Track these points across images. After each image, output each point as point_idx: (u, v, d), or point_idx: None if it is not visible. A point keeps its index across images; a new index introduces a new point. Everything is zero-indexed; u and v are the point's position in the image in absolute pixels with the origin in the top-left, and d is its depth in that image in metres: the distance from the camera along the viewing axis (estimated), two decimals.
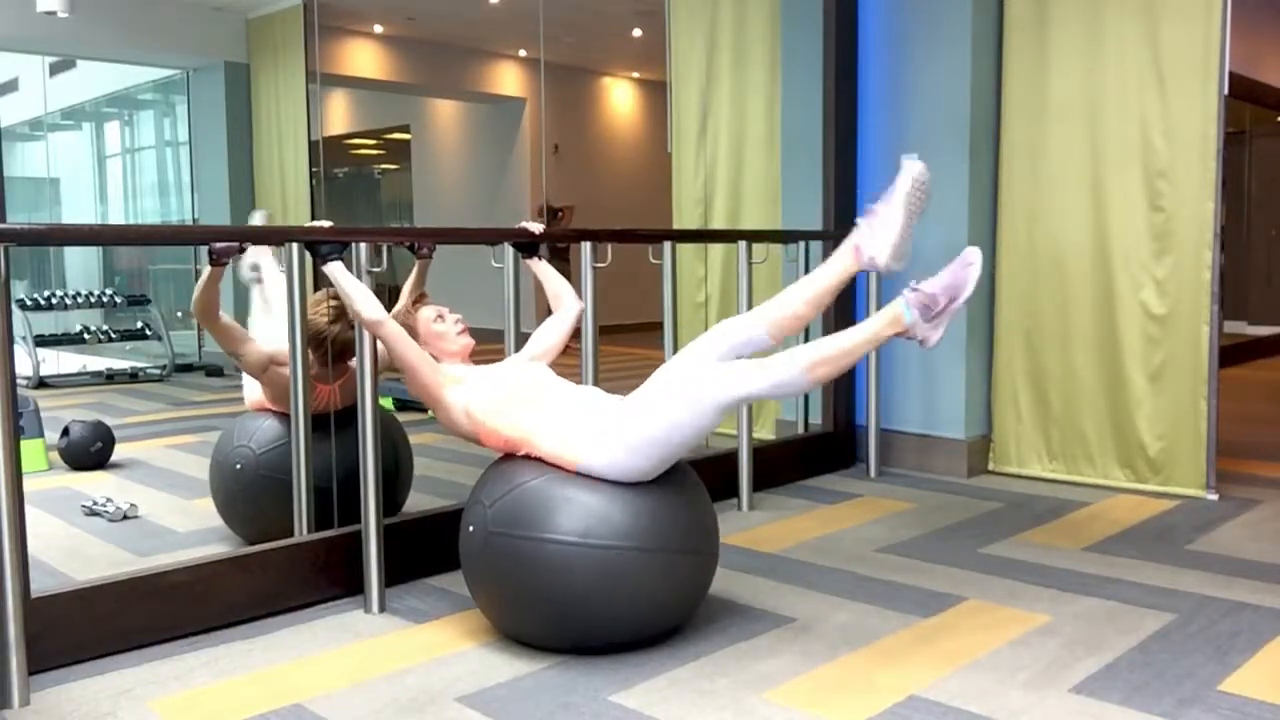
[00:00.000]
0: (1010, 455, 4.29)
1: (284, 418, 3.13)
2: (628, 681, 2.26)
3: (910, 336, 2.28)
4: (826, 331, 4.30)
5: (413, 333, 2.71)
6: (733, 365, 2.31)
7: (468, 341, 2.75)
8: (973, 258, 2.26)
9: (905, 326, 2.26)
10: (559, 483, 2.38)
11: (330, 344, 3.09)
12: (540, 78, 5.44)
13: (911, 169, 2.35)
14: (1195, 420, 3.83)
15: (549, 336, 2.89)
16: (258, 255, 3.52)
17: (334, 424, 3.14)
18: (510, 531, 2.37)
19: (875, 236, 2.35)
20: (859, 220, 2.41)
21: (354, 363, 2.84)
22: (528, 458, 2.49)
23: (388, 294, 2.79)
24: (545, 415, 2.49)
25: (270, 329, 3.36)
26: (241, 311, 3.47)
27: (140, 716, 2.12)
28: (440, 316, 2.75)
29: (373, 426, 2.72)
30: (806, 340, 2.79)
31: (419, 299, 2.83)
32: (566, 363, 2.91)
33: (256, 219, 4.19)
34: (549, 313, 2.96)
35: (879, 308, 4.19)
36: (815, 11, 4.32)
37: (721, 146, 4.84)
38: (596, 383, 3.23)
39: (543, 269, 3.02)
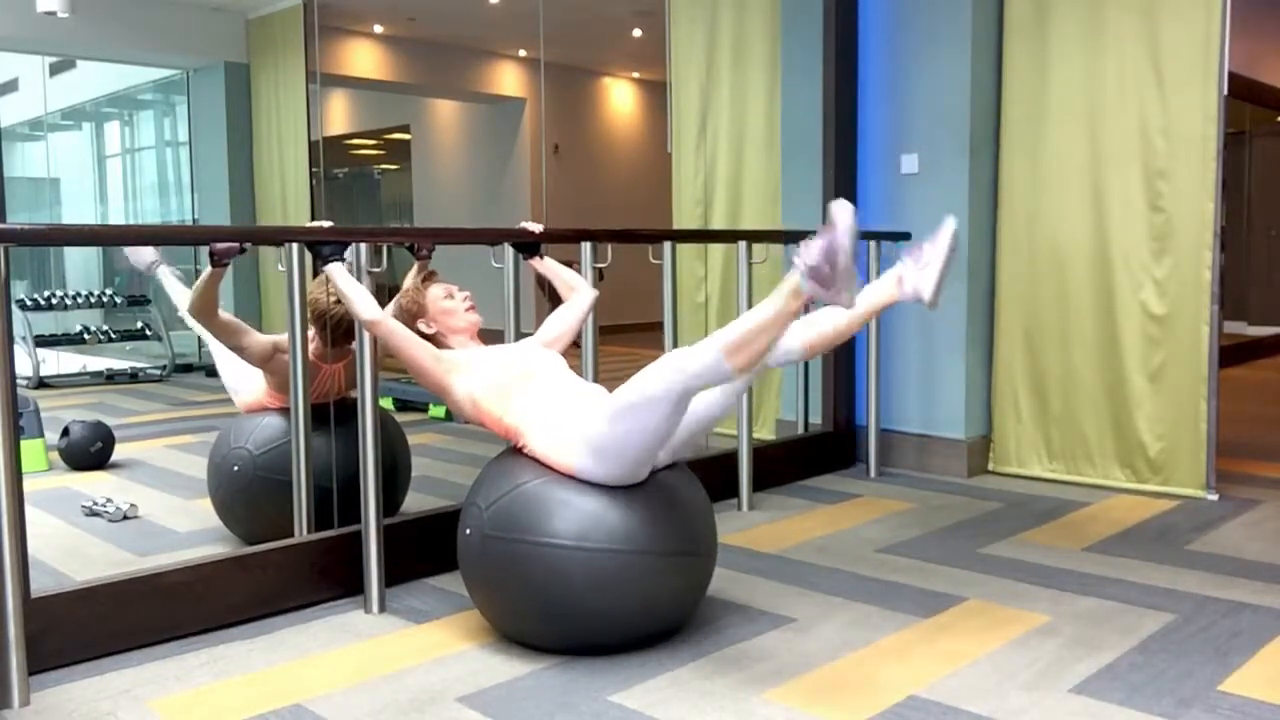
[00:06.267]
0: (1010, 455, 4.29)
1: (281, 417, 3.14)
2: (628, 681, 2.27)
3: (822, 302, 2.22)
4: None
5: (421, 310, 2.73)
6: (667, 358, 2.24)
7: (475, 318, 2.76)
8: (835, 215, 2.06)
9: (807, 296, 2.15)
10: (554, 485, 2.38)
11: (335, 323, 3.11)
12: (540, 78, 5.44)
13: (950, 225, 2.46)
14: (1195, 420, 3.83)
15: (562, 323, 2.89)
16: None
17: (334, 421, 3.14)
18: (506, 535, 2.36)
19: (920, 272, 2.46)
20: (903, 256, 2.51)
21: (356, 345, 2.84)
22: (523, 454, 2.50)
23: (387, 294, 2.79)
24: (541, 411, 2.49)
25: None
26: (243, 310, 3.47)
27: (140, 716, 2.12)
28: (449, 294, 2.76)
29: (373, 426, 2.72)
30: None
31: (428, 277, 2.84)
32: (566, 363, 2.91)
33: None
34: (550, 312, 2.96)
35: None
36: (815, 11, 4.32)
37: (721, 146, 4.84)
38: (596, 382, 3.23)
39: (548, 265, 3.02)
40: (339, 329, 3.11)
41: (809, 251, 2.07)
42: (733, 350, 2.15)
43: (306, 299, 2.93)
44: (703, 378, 2.19)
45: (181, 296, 3.25)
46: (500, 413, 2.52)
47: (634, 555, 2.32)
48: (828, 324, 2.55)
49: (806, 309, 2.25)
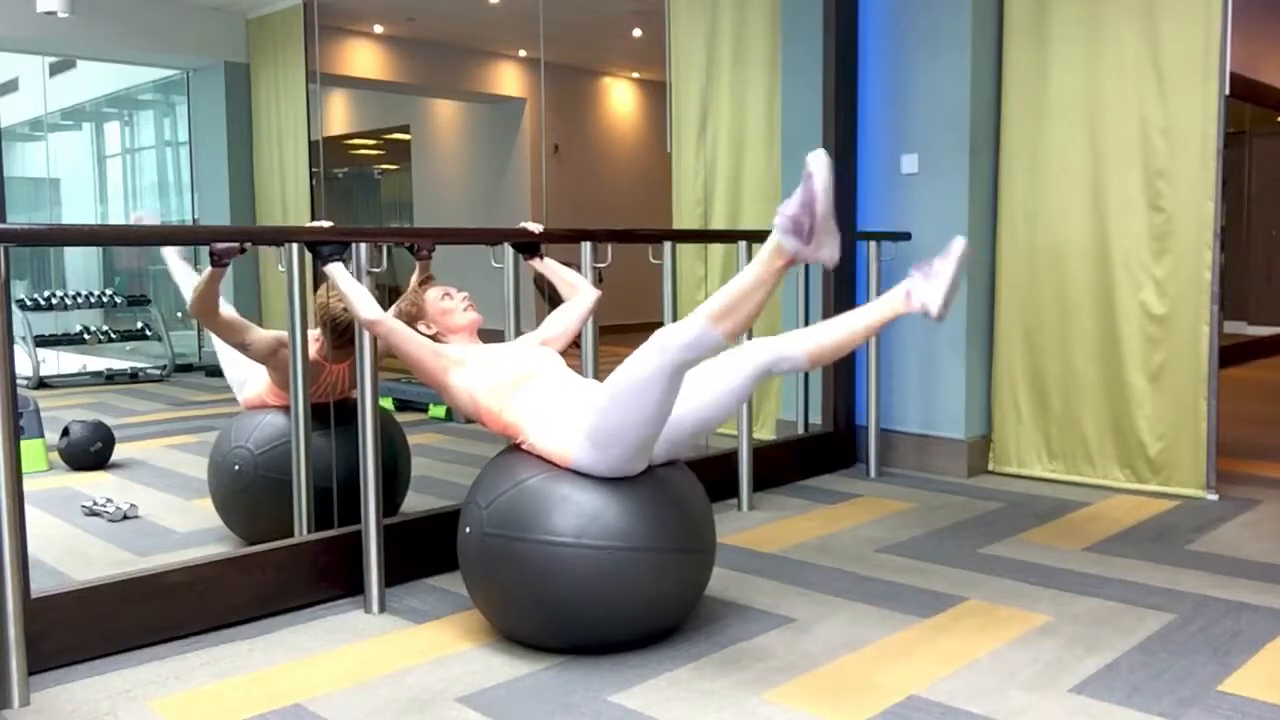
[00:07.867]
0: (1010, 455, 4.29)
1: (283, 416, 3.14)
2: (628, 681, 2.27)
3: (804, 261, 2.25)
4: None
5: (421, 312, 2.74)
6: (654, 337, 2.27)
7: (475, 317, 2.77)
8: (811, 166, 2.24)
9: (789, 254, 2.21)
10: (553, 482, 2.39)
11: (342, 329, 3.12)
12: (540, 78, 5.44)
13: (960, 243, 2.37)
14: (1195, 420, 3.83)
15: (563, 321, 2.90)
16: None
17: (334, 421, 3.14)
18: (505, 533, 2.37)
19: (929, 285, 2.36)
20: (912, 271, 2.41)
21: None
22: (522, 451, 2.51)
23: (387, 294, 2.80)
24: (539, 408, 2.49)
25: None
26: (243, 310, 3.47)
27: (140, 716, 2.12)
28: (448, 294, 2.77)
29: (373, 426, 2.72)
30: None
31: (425, 280, 2.85)
32: (566, 363, 2.91)
33: (145, 219, 4.21)
34: (549, 312, 2.96)
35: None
36: (815, 11, 4.32)
37: (721, 146, 4.84)
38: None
39: (549, 266, 3.03)
40: (344, 334, 3.11)
41: (788, 204, 2.13)
42: (719, 316, 2.19)
43: (307, 299, 2.93)
44: (693, 349, 2.21)
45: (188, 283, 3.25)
46: (499, 410, 2.53)
47: (632, 552, 2.33)
48: (832, 332, 2.42)
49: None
